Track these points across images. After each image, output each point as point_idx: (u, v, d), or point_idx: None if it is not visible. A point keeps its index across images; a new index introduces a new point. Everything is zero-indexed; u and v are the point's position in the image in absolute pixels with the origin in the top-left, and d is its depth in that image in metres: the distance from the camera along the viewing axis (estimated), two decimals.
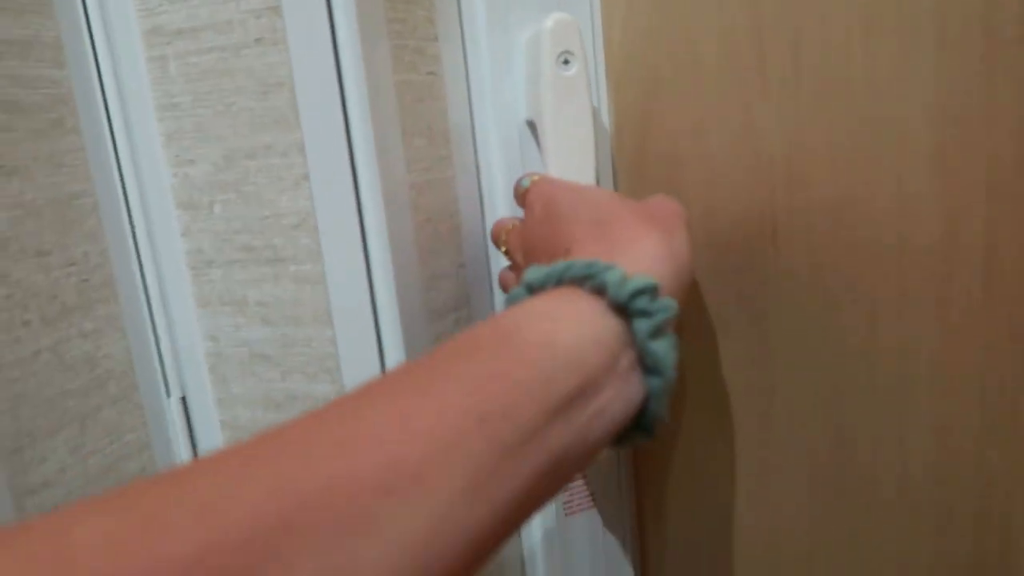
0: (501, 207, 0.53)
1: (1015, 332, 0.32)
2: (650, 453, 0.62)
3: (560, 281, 0.32)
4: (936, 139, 0.33)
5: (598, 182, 0.51)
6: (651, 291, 0.30)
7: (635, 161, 0.54)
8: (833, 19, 0.37)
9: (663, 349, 0.30)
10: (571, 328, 0.29)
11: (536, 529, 0.62)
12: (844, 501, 0.43)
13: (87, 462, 0.45)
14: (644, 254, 0.34)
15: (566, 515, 0.63)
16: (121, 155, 0.47)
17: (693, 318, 0.52)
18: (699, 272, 0.50)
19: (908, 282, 0.36)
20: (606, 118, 0.54)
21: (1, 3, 0.40)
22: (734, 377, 0.50)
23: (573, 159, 0.49)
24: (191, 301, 0.50)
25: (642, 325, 0.30)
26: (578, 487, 0.64)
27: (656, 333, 0.30)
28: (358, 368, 0.47)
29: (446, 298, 0.51)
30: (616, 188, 0.55)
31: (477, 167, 0.53)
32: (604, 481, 0.64)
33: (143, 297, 0.50)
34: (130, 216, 0.48)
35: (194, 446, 0.53)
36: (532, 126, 0.51)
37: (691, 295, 0.51)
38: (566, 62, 0.47)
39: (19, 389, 0.41)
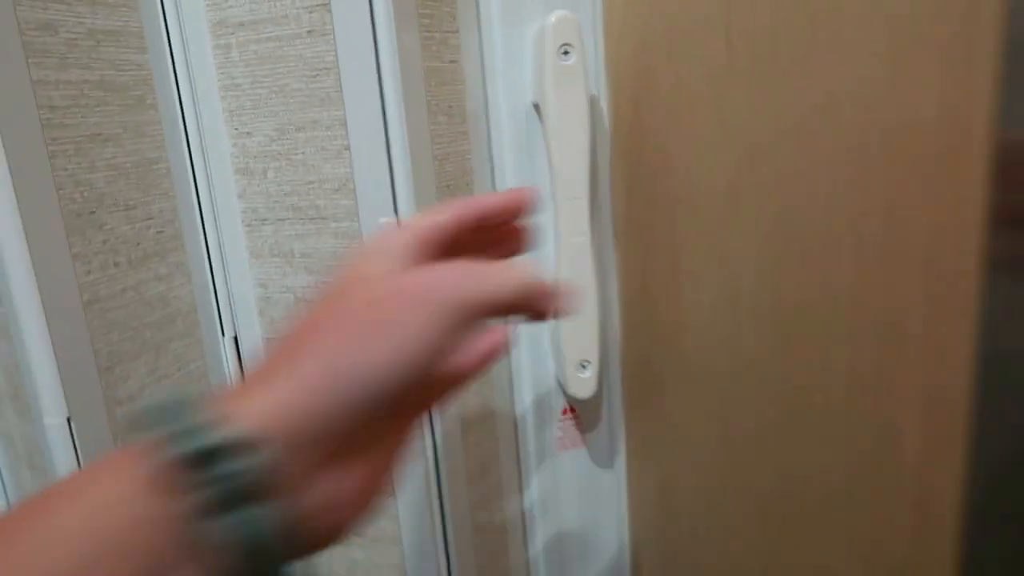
0: (510, 177, 0.60)
1: (907, 275, 0.40)
2: (638, 395, 0.70)
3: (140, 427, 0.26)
4: (859, 115, 0.41)
5: (594, 158, 0.58)
6: (231, 449, 0.24)
7: (629, 140, 0.61)
8: (784, 15, 0.45)
9: (242, 525, 0.24)
10: (114, 506, 0.23)
11: (531, 463, 0.70)
12: (790, 417, 0.51)
13: (160, 383, 0.53)
14: (277, 387, 0.27)
15: (558, 451, 0.71)
16: (190, 127, 0.55)
17: (669, 271, 0.60)
18: (676, 228, 0.58)
19: (833, 233, 0.44)
20: (605, 103, 0.61)
21: None
22: (707, 320, 0.58)
23: (570, 137, 0.56)
24: (245, 253, 0.57)
25: (206, 496, 0.23)
26: (569, 426, 0.71)
27: (230, 504, 0.24)
28: None
29: None
30: (612, 160, 0.62)
31: (490, 142, 0.60)
32: (594, 420, 0.71)
33: (205, 248, 0.57)
34: (195, 180, 0.56)
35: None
36: (537, 108, 0.58)
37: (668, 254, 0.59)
38: (566, 53, 0.55)
39: (111, 318, 0.49)
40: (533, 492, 0.71)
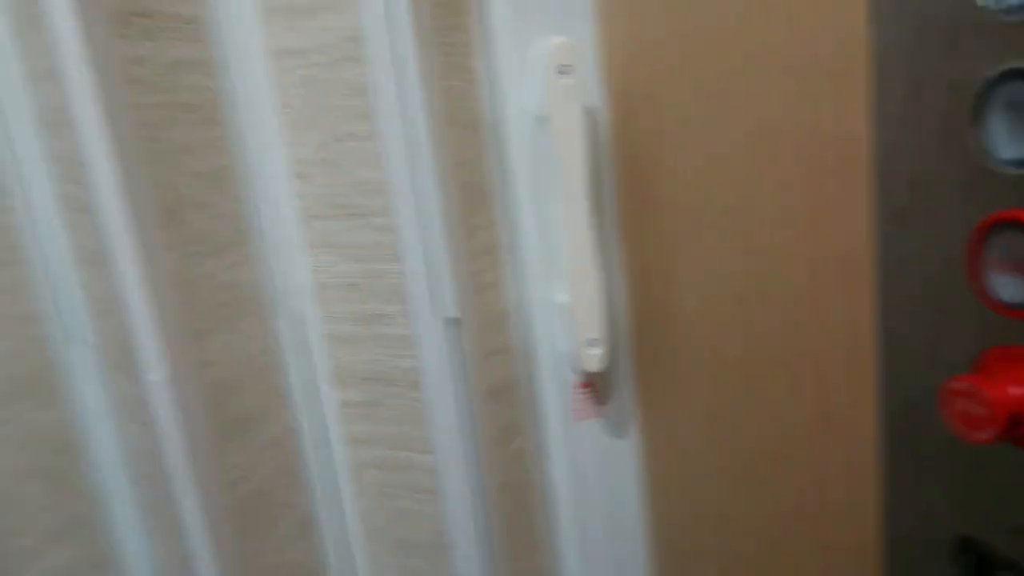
0: (521, 179, 0.68)
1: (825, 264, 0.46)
2: (646, 369, 0.77)
3: None
4: (786, 131, 0.48)
5: (595, 161, 0.66)
6: None
7: (624, 145, 0.68)
8: (730, 50, 0.52)
9: None
10: None
11: (551, 431, 0.77)
12: (763, 374, 0.57)
13: (234, 354, 0.62)
14: None
15: (575, 420, 0.78)
16: (251, 140, 0.64)
17: (664, 257, 0.67)
18: (666, 219, 0.65)
19: (777, 224, 0.51)
20: (604, 114, 0.69)
21: (184, 35, 0.57)
22: (697, 298, 0.65)
23: (571, 144, 0.64)
24: (301, 244, 0.66)
25: None
26: (585, 397, 0.78)
27: None
28: (418, 292, 0.64)
29: (482, 244, 0.67)
30: (613, 162, 0.70)
31: (503, 149, 0.68)
32: (607, 393, 0.78)
33: (267, 241, 0.67)
34: (259, 184, 0.65)
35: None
36: (542, 119, 0.66)
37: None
38: (564, 72, 0.62)
39: (197, 297, 0.58)
40: (554, 457, 0.78)
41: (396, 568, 0.75)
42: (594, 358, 0.71)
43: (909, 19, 0.39)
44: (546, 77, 0.62)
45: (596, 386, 0.77)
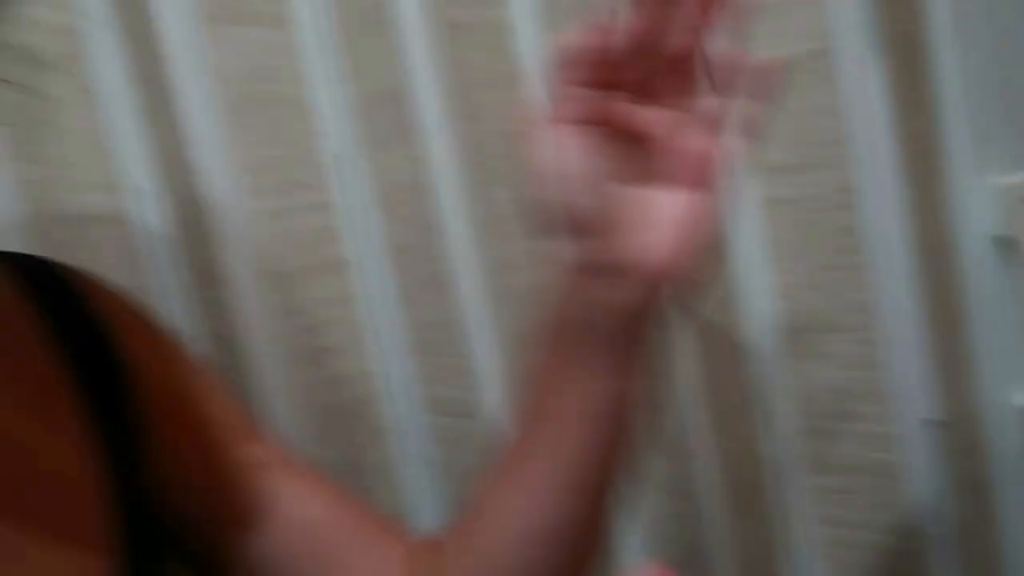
0: (976, 294, 0.74)
1: None
2: None
3: None
4: None
5: None
6: None
7: None
8: None
9: None
10: None
11: (1019, 528, 0.77)
12: None
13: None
14: None
15: None
16: (741, 271, 0.77)
17: None
18: None
19: None
20: None
21: None
22: None
23: None
24: (787, 354, 0.77)
25: None
26: None
27: None
28: (898, 395, 0.71)
29: (952, 351, 0.73)
30: None
31: (962, 268, 0.74)
32: None
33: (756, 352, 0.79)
34: (749, 305, 0.78)
35: None
36: (998, 240, 0.72)
37: None
38: None
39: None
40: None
41: None
42: None
43: None
44: (1015, 206, 0.69)
45: None
